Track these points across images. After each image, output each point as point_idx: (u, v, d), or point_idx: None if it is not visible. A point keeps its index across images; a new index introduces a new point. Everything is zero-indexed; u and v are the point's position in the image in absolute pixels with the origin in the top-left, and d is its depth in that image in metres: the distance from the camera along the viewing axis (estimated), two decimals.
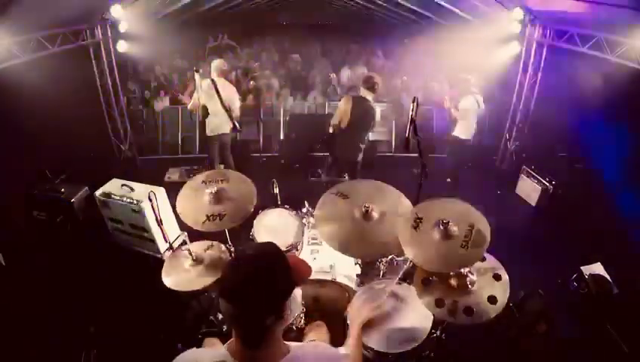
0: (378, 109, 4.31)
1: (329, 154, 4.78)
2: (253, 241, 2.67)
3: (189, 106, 5.08)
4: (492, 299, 2.34)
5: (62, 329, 3.42)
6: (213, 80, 4.79)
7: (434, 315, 2.43)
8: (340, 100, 4.51)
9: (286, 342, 1.29)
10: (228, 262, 1.23)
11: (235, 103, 4.98)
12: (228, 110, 4.91)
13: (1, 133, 4.61)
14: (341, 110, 4.18)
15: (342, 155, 4.42)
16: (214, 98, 4.79)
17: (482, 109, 5.17)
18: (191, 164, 6.03)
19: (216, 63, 4.90)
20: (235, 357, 1.21)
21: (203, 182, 2.96)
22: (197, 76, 4.39)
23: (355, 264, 3.18)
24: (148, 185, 4.05)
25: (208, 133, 5.01)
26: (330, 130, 4.37)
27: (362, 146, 4.34)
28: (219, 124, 4.97)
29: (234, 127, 5.10)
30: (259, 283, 1.16)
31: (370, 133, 4.44)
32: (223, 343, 1.33)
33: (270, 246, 1.29)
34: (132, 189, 4.12)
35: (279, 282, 1.20)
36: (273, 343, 1.23)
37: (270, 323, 1.18)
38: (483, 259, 2.50)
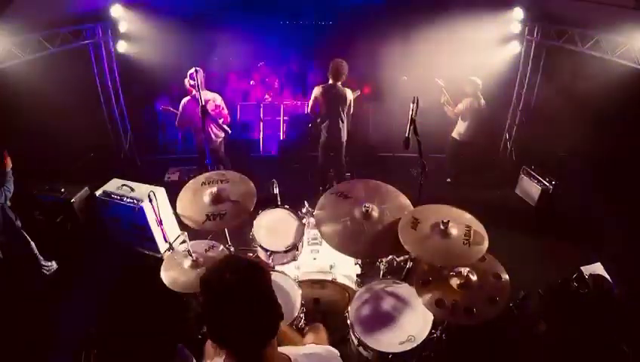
0: (349, 91, 4.68)
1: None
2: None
3: (176, 123, 4.79)
4: (492, 299, 2.35)
5: (62, 329, 3.43)
6: (196, 98, 4.35)
7: (434, 315, 2.43)
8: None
9: (282, 351, 1.26)
10: (208, 299, 1.12)
11: (223, 110, 4.78)
12: (218, 122, 4.68)
13: (0, 133, 4.60)
14: (315, 99, 4.70)
15: (327, 138, 4.88)
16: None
17: (484, 110, 5.16)
18: (191, 164, 6.02)
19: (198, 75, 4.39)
20: None
21: (203, 183, 2.97)
22: (200, 76, 4.26)
23: (355, 264, 3.19)
24: (148, 185, 4.05)
25: (199, 147, 4.70)
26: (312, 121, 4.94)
27: (343, 127, 4.84)
28: (207, 138, 4.69)
29: (225, 132, 4.86)
30: (256, 317, 1.10)
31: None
32: None
33: (250, 273, 1.15)
34: (132, 189, 4.12)
35: (272, 307, 1.15)
36: (271, 357, 1.19)
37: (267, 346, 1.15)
38: (483, 259, 2.50)
